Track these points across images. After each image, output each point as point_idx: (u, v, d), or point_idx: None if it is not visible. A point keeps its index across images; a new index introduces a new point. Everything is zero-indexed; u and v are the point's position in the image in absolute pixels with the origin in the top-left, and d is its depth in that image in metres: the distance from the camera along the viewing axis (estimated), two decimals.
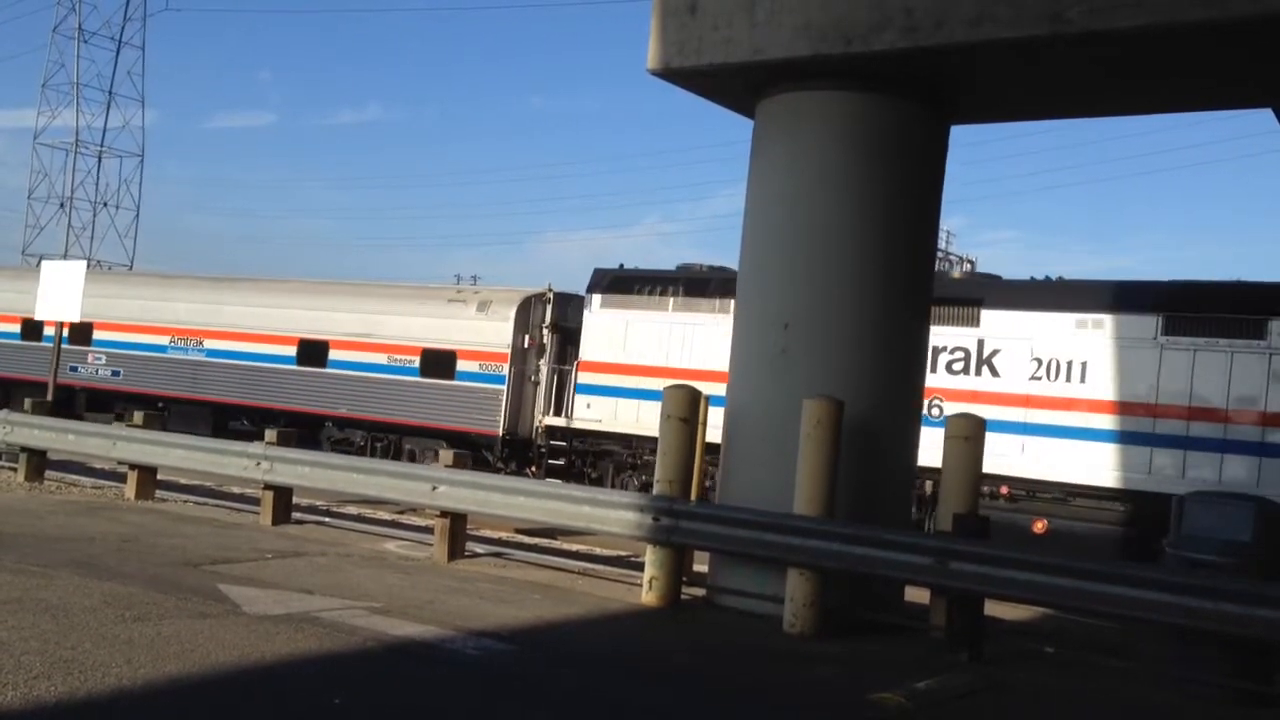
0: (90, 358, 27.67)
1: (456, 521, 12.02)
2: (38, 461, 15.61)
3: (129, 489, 14.62)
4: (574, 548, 15.12)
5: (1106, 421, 16.76)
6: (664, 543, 10.37)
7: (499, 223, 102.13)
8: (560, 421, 21.64)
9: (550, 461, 21.82)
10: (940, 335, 16.61)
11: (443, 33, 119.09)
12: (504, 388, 22.01)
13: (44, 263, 20.86)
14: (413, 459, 21.77)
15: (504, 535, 15.28)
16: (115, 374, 27.18)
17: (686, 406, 10.79)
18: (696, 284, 21.12)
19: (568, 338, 22.45)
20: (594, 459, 21.19)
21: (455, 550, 12.00)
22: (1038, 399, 17.32)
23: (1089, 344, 17.10)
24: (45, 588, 8.40)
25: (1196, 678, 8.51)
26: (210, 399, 25.51)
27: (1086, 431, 16.81)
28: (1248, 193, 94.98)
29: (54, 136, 55.55)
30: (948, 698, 7.90)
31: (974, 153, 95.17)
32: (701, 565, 11.74)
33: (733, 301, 19.79)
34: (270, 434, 13.90)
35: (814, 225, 10.83)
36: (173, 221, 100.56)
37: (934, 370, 17.32)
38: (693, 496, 10.99)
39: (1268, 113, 11.43)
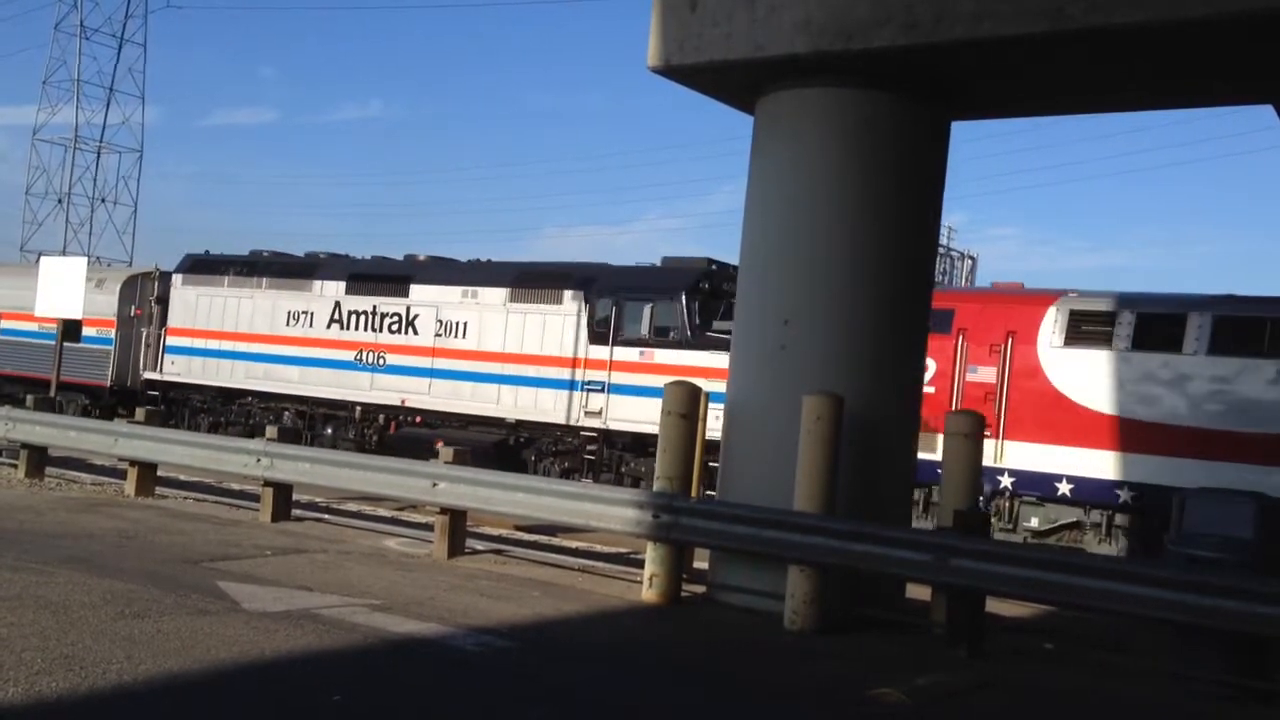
0: None
1: (456, 518, 12.02)
2: (38, 458, 15.60)
3: (129, 485, 14.62)
4: (574, 545, 15.12)
5: (481, 367, 21.72)
6: (664, 540, 10.35)
7: (499, 218, 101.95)
8: (156, 375, 26.80)
9: (149, 407, 25.28)
10: (384, 304, 23.01)
11: (443, 29, 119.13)
12: (111, 348, 27.45)
13: (43, 259, 21.18)
14: (62, 409, 25.66)
15: (504, 532, 15.29)
16: None
17: (686, 403, 10.77)
18: (247, 265, 25.71)
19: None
20: (178, 405, 26.22)
21: (455, 547, 12.00)
22: (440, 350, 22.37)
23: (469, 310, 22.01)
24: (45, 584, 8.41)
25: (1197, 674, 8.52)
26: None
27: (470, 374, 21.80)
28: (1248, 189, 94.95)
29: (53, 133, 55.61)
30: (948, 693, 7.91)
31: (975, 148, 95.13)
32: (702, 562, 11.74)
33: (266, 279, 24.94)
34: (271, 430, 13.95)
35: (814, 221, 10.81)
36: (172, 218, 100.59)
37: (379, 330, 23.00)
38: (693, 493, 10.99)
39: (1268, 109, 11.43)
